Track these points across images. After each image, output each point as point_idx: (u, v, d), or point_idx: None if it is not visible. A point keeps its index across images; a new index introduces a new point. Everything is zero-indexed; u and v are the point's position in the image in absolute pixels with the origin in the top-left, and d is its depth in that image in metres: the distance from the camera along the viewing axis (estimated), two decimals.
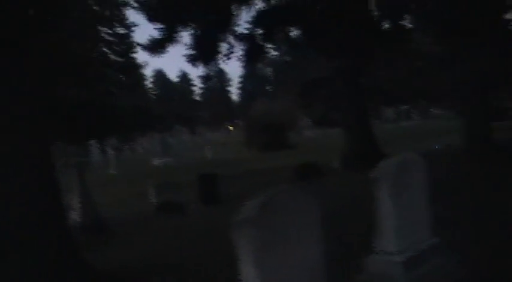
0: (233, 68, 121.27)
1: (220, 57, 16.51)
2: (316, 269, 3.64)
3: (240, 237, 3.25)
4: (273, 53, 49.26)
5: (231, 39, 16.26)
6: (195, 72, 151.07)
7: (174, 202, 11.78)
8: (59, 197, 6.15)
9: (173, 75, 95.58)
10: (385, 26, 16.61)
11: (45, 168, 5.95)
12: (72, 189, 10.10)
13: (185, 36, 15.91)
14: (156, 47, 15.81)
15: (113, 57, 40.91)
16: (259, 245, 3.22)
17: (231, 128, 68.57)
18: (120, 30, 40.81)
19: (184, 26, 15.56)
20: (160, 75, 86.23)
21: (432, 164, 4.91)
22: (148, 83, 76.58)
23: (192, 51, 15.93)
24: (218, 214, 10.01)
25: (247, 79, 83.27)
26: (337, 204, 8.29)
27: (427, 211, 4.75)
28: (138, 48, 17.76)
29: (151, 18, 15.64)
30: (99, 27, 38.81)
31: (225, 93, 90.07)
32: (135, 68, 42.71)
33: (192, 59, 16.06)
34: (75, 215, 9.88)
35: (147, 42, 15.98)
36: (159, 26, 15.56)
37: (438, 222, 4.84)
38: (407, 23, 17.02)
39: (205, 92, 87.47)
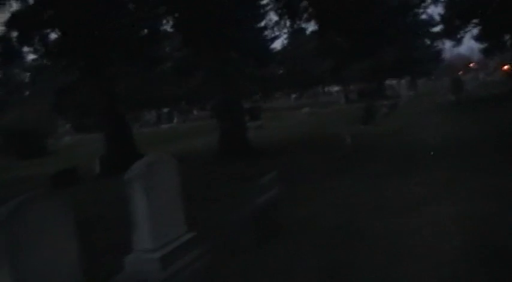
0: None
1: None
2: (73, 270, 3.73)
3: None
4: (31, 56, 46.26)
5: None
6: None
7: None
8: None
9: None
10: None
11: None
12: None
13: None
14: None
15: None
16: (11, 247, 3.27)
17: None
18: None
19: None
20: None
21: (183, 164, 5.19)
22: None
23: None
24: None
25: (1, 84, 76.96)
26: (94, 207, 8.26)
27: (181, 208, 5.01)
28: None
29: None
30: None
31: None
32: None
33: None
34: None
35: None
36: None
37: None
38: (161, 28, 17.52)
39: None
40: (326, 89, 74.71)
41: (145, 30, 17.37)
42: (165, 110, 53.81)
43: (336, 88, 70.33)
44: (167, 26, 17.69)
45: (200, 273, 4.80)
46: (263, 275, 4.63)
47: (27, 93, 71.78)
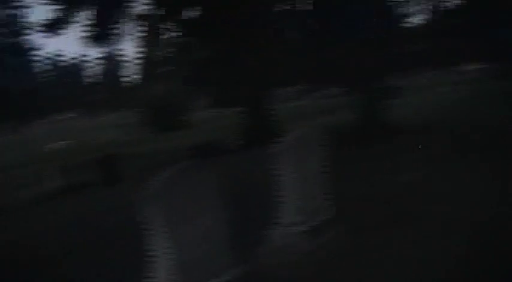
0: (130, 49, 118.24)
1: (117, 38, 16.16)
2: (222, 241, 3.84)
3: (149, 212, 3.37)
4: (170, 33, 48.50)
5: (129, 19, 15.95)
6: (93, 54, 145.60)
7: None
8: None
9: (69, 57, 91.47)
10: None
11: None
12: None
13: (82, 16, 15.35)
14: (52, 27, 15.21)
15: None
16: (167, 219, 3.38)
17: None
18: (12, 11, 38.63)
19: (81, 6, 15.06)
20: (55, 58, 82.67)
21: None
22: (42, 65, 73.29)
23: (90, 32, 15.48)
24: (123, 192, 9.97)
25: (145, 60, 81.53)
26: (239, 180, 8.44)
27: (325, 184, 5.02)
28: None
29: None
30: None
31: (123, 74, 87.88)
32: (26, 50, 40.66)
33: (91, 40, 15.61)
34: None
35: (43, 22, 15.34)
36: (55, 6, 14.97)
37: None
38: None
39: (103, 74, 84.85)
40: None
41: None
42: (301, 86, 53.86)
43: None
44: None
45: (345, 247, 4.80)
46: None
47: (167, 68, 75.46)
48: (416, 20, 16.55)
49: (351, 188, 6.94)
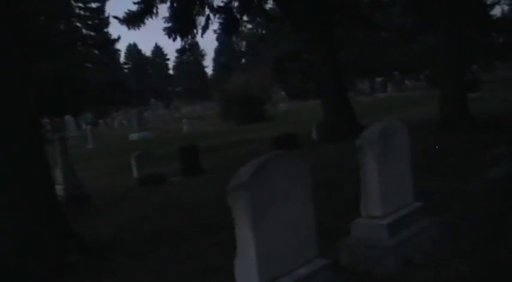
0: (208, 41, 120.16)
1: (196, 30, 16.49)
2: (306, 231, 3.85)
3: (236, 201, 3.42)
4: (248, 25, 48.95)
5: (208, 11, 16.25)
6: (171, 46, 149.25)
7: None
8: (48, 170, 6.27)
9: (148, 50, 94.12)
10: None
11: (34, 142, 6.02)
12: (55, 164, 10.15)
13: (162, 8, 15.79)
14: (134, 19, 15.72)
15: (85, 31, 40.36)
16: (254, 208, 3.39)
17: None
18: (93, 4, 40.23)
19: None
20: (134, 50, 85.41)
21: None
22: (122, 57, 75.89)
23: (169, 24, 15.89)
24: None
25: (223, 52, 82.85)
26: (320, 171, 8.47)
27: (410, 176, 4.95)
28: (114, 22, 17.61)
29: None
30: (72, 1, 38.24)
31: (201, 66, 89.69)
32: (109, 42, 42.26)
33: (169, 32, 16.01)
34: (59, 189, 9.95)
35: (124, 15, 15.89)
36: None
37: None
38: None
39: (181, 66, 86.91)
40: None
41: None
42: (379, 79, 53.15)
43: None
44: None
45: (429, 242, 4.72)
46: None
47: (245, 61, 76.27)
48: None
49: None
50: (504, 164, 7.03)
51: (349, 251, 4.54)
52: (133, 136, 28.91)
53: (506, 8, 43.80)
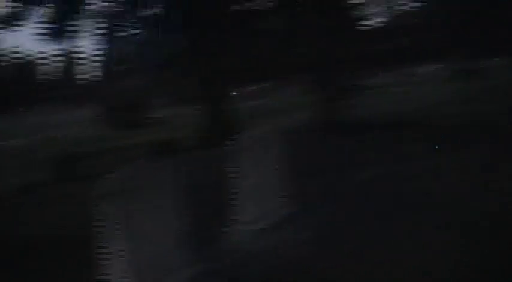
0: (89, 45, 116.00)
1: (76, 35, 16.05)
2: (178, 238, 3.91)
3: (107, 208, 3.43)
4: (132, 31, 47.92)
5: (87, 16, 15.87)
6: (51, 51, 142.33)
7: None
8: None
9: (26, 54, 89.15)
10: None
11: None
12: None
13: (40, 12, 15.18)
14: (9, 23, 15.04)
15: None
16: (125, 215, 3.45)
17: None
18: None
19: (40, 2, 14.94)
20: (9, 53, 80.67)
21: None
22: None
23: (48, 28, 15.35)
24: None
25: (105, 57, 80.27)
26: (195, 177, 8.49)
27: (281, 182, 5.14)
28: None
29: None
30: None
31: (82, 71, 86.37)
32: None
33: (49, 36, 15.48)
34: None
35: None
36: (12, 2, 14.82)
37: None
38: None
39: (61, 71, 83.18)
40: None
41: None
42: (258, 85, 53.96)
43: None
44: None
45: (299, 247, 4.91)
46: None
47: (128, 66, 74.45)
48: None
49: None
50: None
51: None
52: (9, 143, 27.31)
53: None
